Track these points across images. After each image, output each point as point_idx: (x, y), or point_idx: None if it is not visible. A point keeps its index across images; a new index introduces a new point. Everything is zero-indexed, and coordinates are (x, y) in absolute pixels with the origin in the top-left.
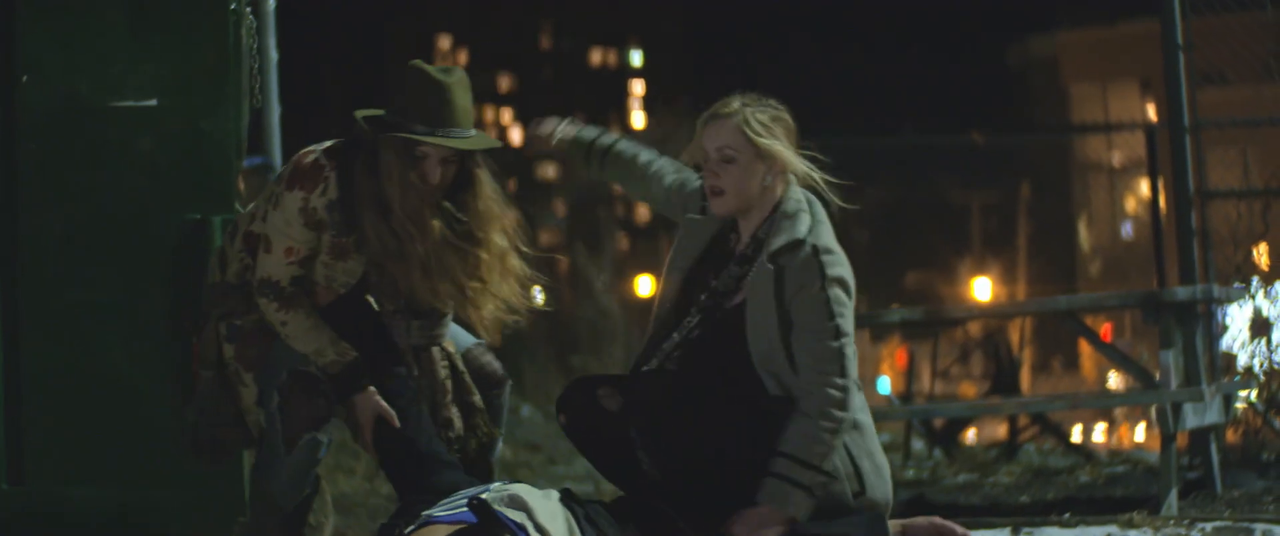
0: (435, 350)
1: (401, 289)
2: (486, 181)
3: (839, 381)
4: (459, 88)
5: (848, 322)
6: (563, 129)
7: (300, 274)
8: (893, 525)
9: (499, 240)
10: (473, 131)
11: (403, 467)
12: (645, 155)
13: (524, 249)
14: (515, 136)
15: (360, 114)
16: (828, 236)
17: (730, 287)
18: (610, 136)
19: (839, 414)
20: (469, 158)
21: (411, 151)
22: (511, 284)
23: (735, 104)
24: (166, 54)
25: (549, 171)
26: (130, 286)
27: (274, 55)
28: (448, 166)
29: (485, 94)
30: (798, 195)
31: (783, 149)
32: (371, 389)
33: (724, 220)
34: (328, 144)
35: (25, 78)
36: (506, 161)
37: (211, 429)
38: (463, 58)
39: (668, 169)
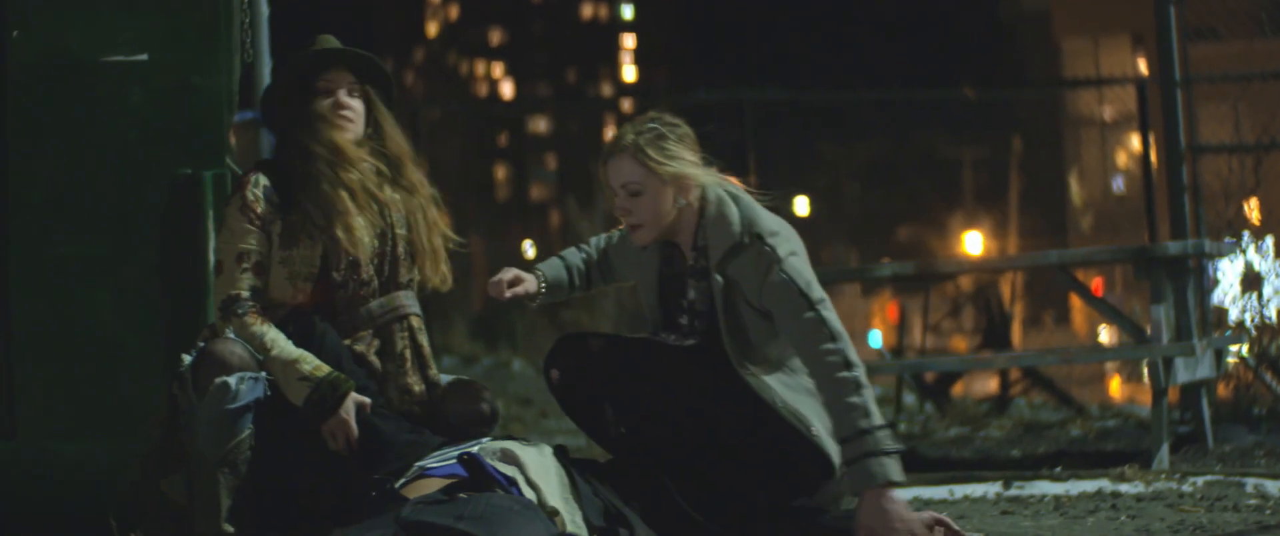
0: (396, 324)
1: (346, 237)
2: (391, 123)
3: (830, 346)
4: (330, 37)
5: (813, 285)
6: (529, 287)
7: (258, 284)
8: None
9: (417, 178)
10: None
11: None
12: (601, 241)
13: (436, 194)
14: (506, 90)
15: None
16: (760, 218)
17: (705, 303)
18: (573, 256)
19: (847, 373)
20: (372, 104)
21: (312, 89)
22: (439, 227)
23: (628, 137)
24: (157, 8)
25: (541, 126)
26: (120, 242)
27: (265, 9)
28: (352, 95)
29: (476, 48)
30: (716, 194)
31: (684, 167)
32: (346, 410)
33: (661, 244)
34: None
35: (15, 33)
36: (498, 115)
37: (152, 486)
38: (453, 11)
39: (613, 236)
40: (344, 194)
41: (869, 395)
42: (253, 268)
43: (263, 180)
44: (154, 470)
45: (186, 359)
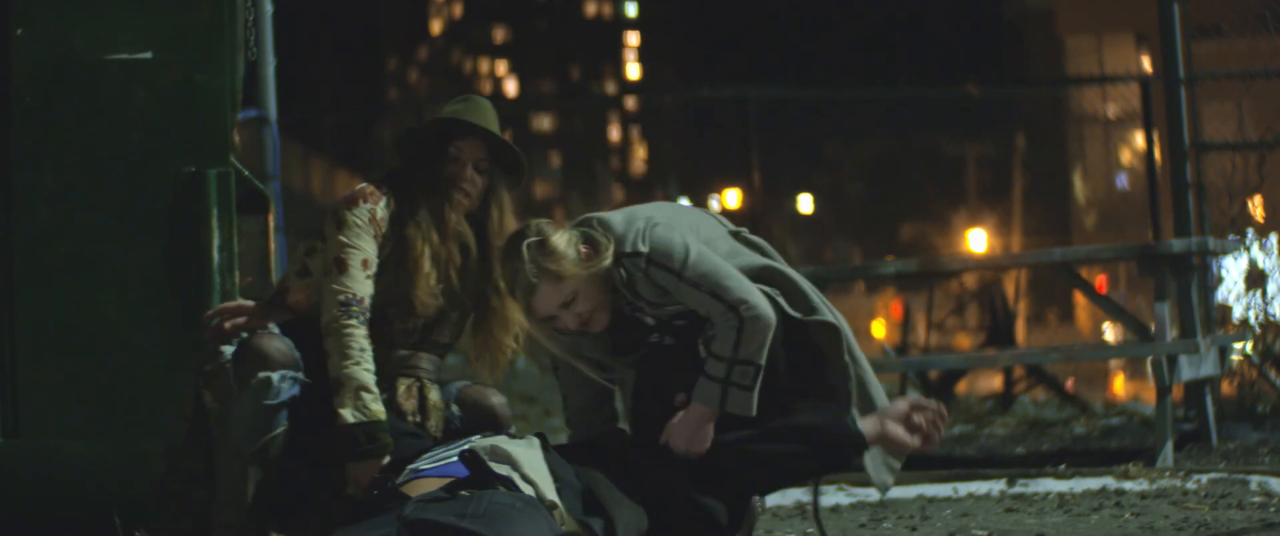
0: (403, 382)
1: (416, 294)
2: (508, 211)
3: (730, 313)
4: (483, 102)
5: (673, 254)
6: None
7: (373, 293)
8: (871, 423)
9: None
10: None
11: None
12: (585, 407)
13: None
14: (510, 87)
15: (393, 139)
16: (623, 237)
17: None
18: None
19: (738, 311)
20: (496, 195)
21: (445, 148)
22: (509, 329)
23: (528, 269)
24: (161, 7)
25: (545, 123)
26: (125, 240)
27: (269, 7)
28: (478, 174)
29: (480, 46)
30: (607, 257)
31: (584, 265)
32: (378, 464)
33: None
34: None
35: (20, 31)
36: (502, 113)
37: (179, 485)
38: (458, 9)
39: (578, 390)
40: (427, 258)
41: (759, 338)
42: (371, 277)
43: (392, 205)
44: (180, 466)
45: (226, 350)
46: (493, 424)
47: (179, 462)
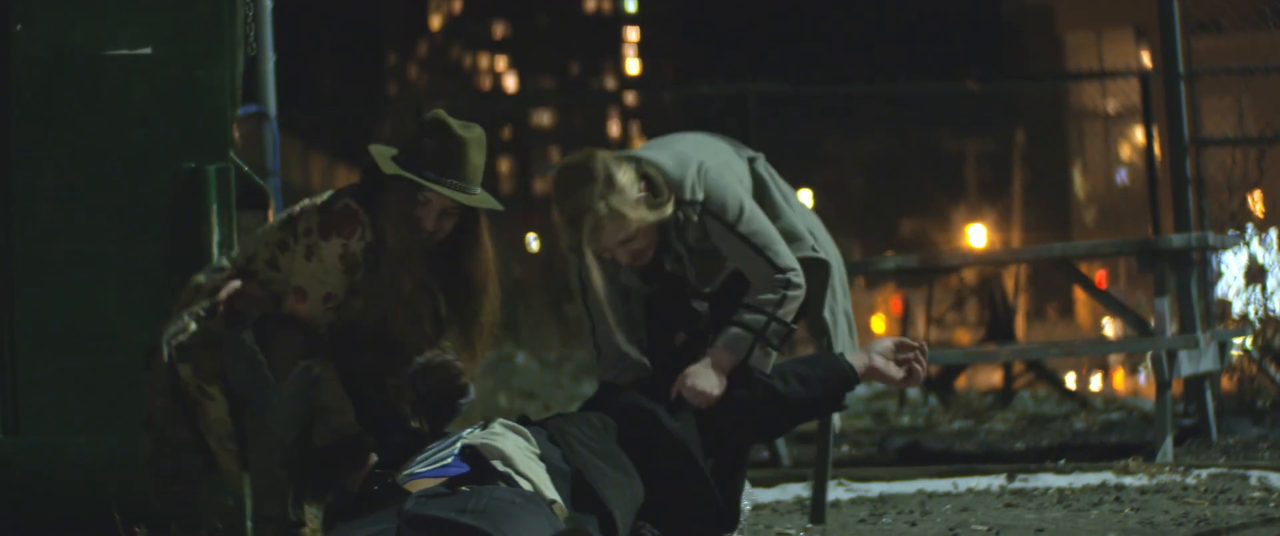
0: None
1: (381, 317)
2: (485, 240)
3: (779, 276)
4: (474, 145)
5: (727, 208)
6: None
7: (334, 320)
8: (860, 357)
9: (491, 289)
10: (478, 190)
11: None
12: (613, 341)
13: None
14: (510, 83)
15: (374, 150)
16: (681, 184)
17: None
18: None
19: (787, 277)
20: (472, 219)
21: (414, 195)
22: (491, 326)
23: (600, 207)
24: (161, 3)
25: (544, 119)
26: (125, 236)
27: (268, 3)
28: (446, 219)
29: (480, 41)
30: (670, 205)
31: (650, 210)
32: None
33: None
34: (350, 187)
35: (19, 27)
36: (501, 109)
37: (170, 457)
38: (457, 4)
39: (605, 312)
40: (394, 299)
41: (793, 302)
42: (334, 309)
43: (368, 236)
44: (166, 444)
45: (192, 325)
46: (453, 382)
47: (166, 436)
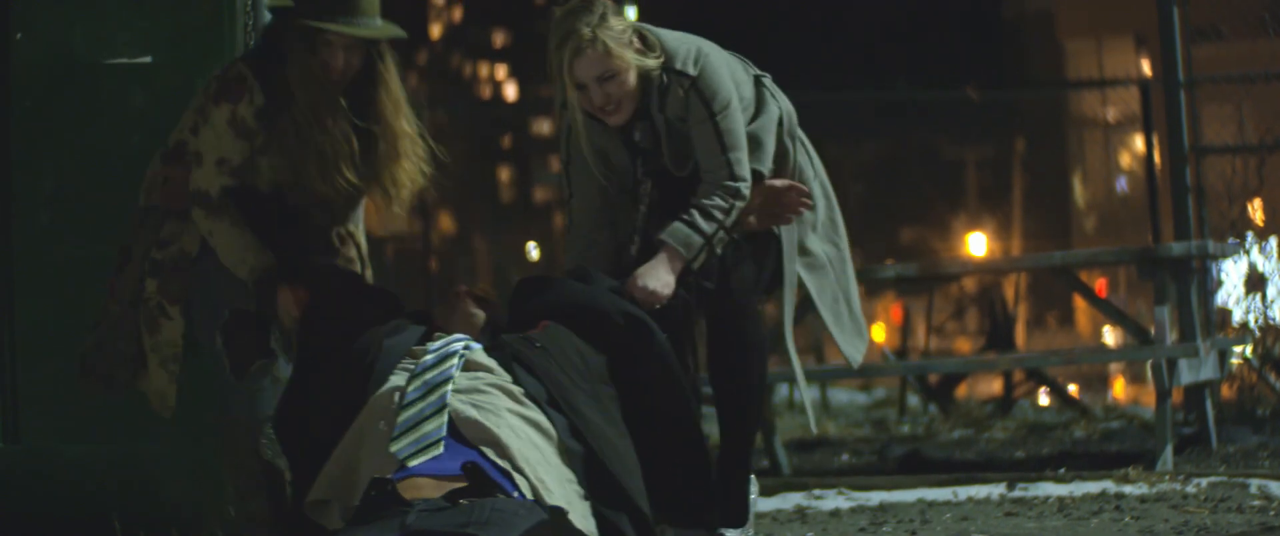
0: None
1: (300, 178)
2: (391, 75)
3: (731, 183)
4: None
5: (717, 97)
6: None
7: (231, 184)
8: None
9: (404, 126)
10: (378, 21)
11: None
12: (588, 217)
13: (427, 139)
14: (510, 92)
15: (269, 3)
16: (673, 51)
17: (650, 141)
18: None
19: (737, 186)
20: (373, 49)
21: (315, 40)
22: (412, 168)
23: (586, 32)
24: (161, 10)
25: (545, 127)
26: (115, 245)
27: (268, 12)
28: (351, 54)
29: (480, 50)
30: (656, 58)
31: (634, 53)
32: (286, 288)
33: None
34: (250, 50)
35: (20, 35)
36: (501, 117)
37: (106, 362)
38: (457, 13)
39: (586, 182)
40: (312, 157)
41: (738, 204)
42: (229, 172)
43: (258, 101)
44: (107, 350)
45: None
46: None
47: (107, 342)
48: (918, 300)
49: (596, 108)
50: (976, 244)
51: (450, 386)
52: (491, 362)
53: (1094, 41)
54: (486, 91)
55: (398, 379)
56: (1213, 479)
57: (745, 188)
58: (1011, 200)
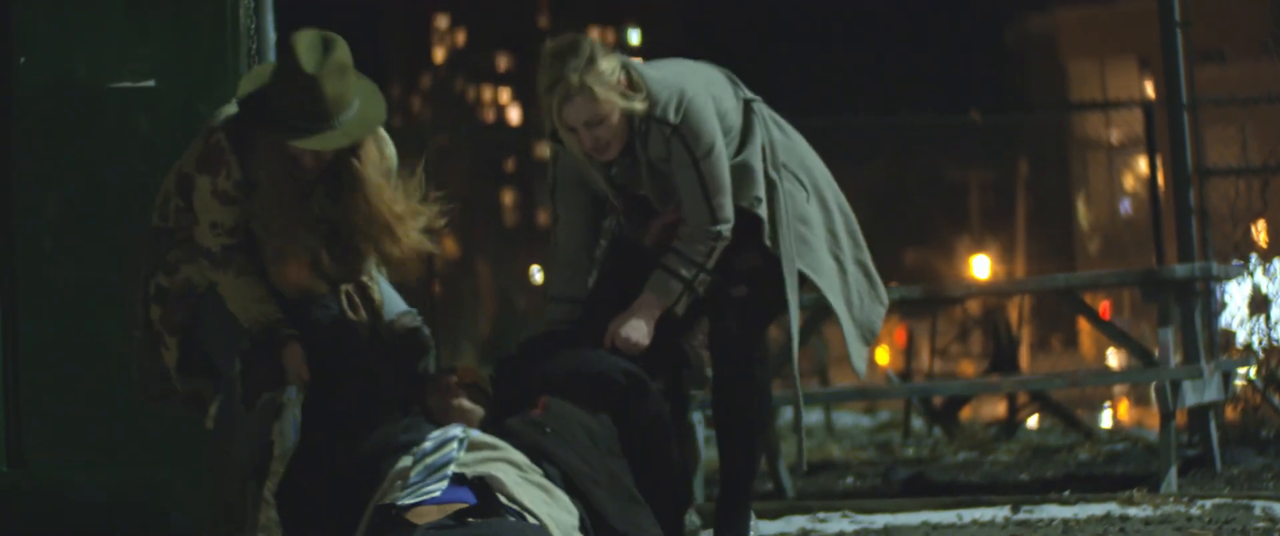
0: (343, 291)
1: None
2: (369, 166)
3: (713, 227)
4: (331, 76)
5: (700, 141)
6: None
7: (230, 242)
8: None
9: (388, 208)
10: (350, 113)
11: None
12: (574, 239)
13: (419, 210)
14: (513, 116)
15: (239, 95)
16: (656, 94)
17: (627, 175)
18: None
19: (718, 230)
20: (348, 150)
21: (280, 144)
22: (410, 240)
23: (574, 79)
24: (164, 35)
25: (547, 151)
26: (127, 269)
27: (272, 35)
28: (321, 154)
29: (483, 73)
30: (641, 103)
31: (621, 98)
32: (294, 345)
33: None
34: (227, 115)
35: (23, 59)
36: (505, 140)
37: (154, 385)
38: (460, 37)
39: (573, 207)
40: (280, 253)
41: (719, 246)
42: (225, 232)
43: (236, 174)
44: (147, 375)
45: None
46: (417, 343)
47: (145, 370)
48: (922, 323)
49: (586, 149)
50: (980, 266)
51: (453, 467)
52: (493, 439)
53: (1097, 64)
54: (490, 115)
55: (404, 461)
56: (1217, 501)
57: (727, 229)
58: (1015, 222)
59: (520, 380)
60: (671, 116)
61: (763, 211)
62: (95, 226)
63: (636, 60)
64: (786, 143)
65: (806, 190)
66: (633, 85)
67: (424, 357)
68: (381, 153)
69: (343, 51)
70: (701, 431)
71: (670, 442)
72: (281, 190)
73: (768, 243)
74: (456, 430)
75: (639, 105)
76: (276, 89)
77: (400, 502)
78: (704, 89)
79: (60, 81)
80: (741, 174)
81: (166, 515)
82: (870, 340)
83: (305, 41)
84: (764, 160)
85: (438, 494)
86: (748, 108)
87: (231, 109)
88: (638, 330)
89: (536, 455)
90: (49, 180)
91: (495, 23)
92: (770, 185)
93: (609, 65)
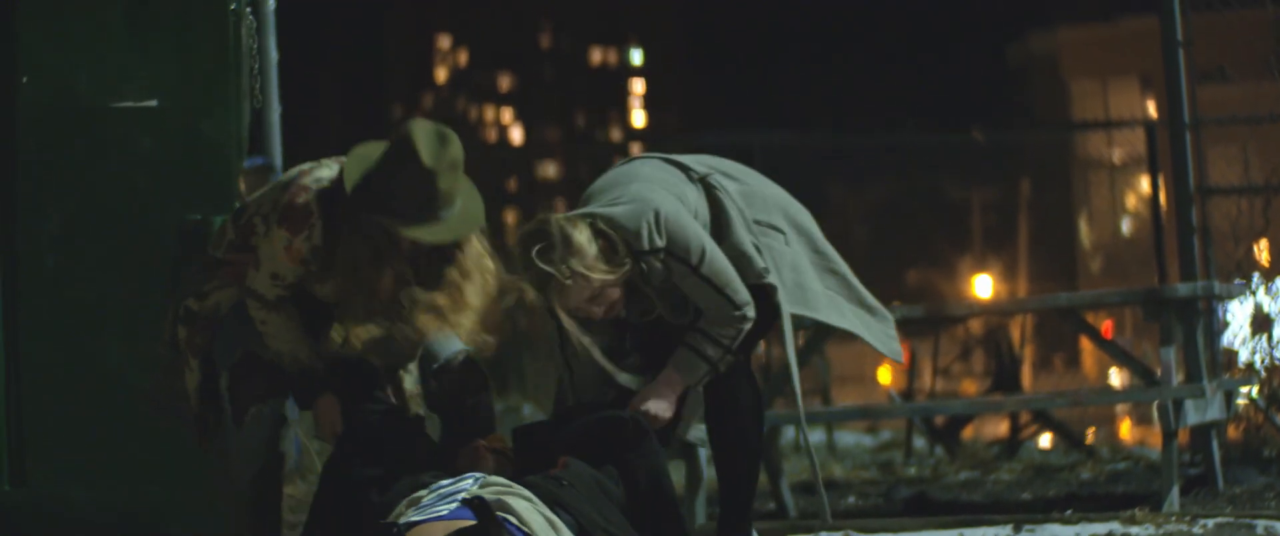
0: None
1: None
2: (467, 257)
3: (736, 313)
4: (445, 171)
5: (691, 250)
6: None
7: (285, 295)
8: None
9: (472, 296)
10: (458, 204)
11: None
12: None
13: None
14: (515, 135)
15: (348, 182)
16: (634, 235)
17: (637, 317)
18: None
19: (743, 312)
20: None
21: (383, 233)
22: (479, 322)
23: (562, 270)
24: (166, 54)
25: (550, 170)
26: (130, 287)
27: (274, 55)
28: (419, 245)
29: (485, 93)
30: (627, 261)
31: (609, 268)
32: (331, 397)
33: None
34: (321, 180)
35: (25, 78)
36: (507, 160)
37: (168, 403)
38: (463, 57)
39: (586, 367)
40: (354, 327)
41: (745, 327)
42: (283, 286)
43: (315, 239)
44: (164, 392)
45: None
46: (473, 379)
47: (164, 388)
48: (924, 342)
49: (597, 319)
50: (982, 285)
51: (464, 495)
52: (506, 481)
53: (1099, 83)
54: (492, 135)
55: (420, 492)
56: (1219, 520)
57: (750, 309)
58: (1017, 242)
59: (541, 446)
60: (658, 242)
61: (773, 279)
62: (97, 245)
63: (592, 198)
64: (746, 192)
65: (783, 232)
66: (611, 244)
67: (482, 393)
68: (481, 250)
69: (457, 148)
70: (703, 452)
71: (670, 486)
72: (371, 272)
73: (778, 302)
74: (474, 474)
75: (627, 264)
76: (387, 174)
77: (403, 520)
78: (668, 195)
79: (62, 100)
80: (737, 259)
81: (166, 533)
82: (891, 327)
83: (423, 134)
84: (748, 232)
85: (444, 513)
86: (706, 186)
87: (325, 172)
88: (659, 406)
89: (552, 504)
90: (51, 199)
91: (497, 43)
92: (760, 253)
93: (583, 237)
